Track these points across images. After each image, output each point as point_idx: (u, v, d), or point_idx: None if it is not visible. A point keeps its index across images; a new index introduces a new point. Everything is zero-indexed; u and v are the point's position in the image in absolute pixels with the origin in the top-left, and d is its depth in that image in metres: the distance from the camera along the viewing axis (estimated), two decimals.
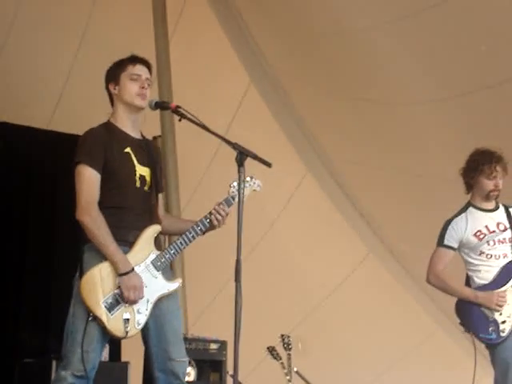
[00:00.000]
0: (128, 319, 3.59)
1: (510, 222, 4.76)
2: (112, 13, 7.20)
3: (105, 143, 3.70)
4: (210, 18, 7.51)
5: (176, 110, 3.66)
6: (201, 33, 7.55)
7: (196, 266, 7.26)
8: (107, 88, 3.86)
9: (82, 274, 3.60)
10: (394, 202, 7.71)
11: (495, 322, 4.54)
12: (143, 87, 3.79)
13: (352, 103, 7.09)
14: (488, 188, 4.73)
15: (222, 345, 6.20)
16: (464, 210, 4.81)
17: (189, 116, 3.65)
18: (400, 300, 8.26)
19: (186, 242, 3.77)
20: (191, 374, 6.05)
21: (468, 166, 4.80)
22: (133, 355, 5.33)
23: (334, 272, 8.33)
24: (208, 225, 3.79)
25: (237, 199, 3.69)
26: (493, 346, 4.55)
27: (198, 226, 3.78)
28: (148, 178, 3.79)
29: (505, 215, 4.79)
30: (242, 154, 3.42)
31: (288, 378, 6.21)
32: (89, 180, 3.66)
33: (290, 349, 6.40)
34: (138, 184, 3.74)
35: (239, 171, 3.41)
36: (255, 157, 3.45)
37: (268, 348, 6.47)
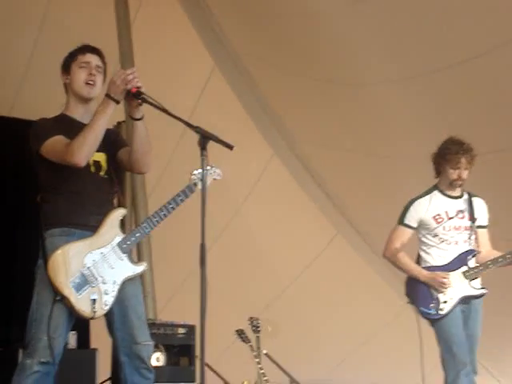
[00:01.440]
0: (95, 299, 3.61)
1: (469, 212, 4.97)
2: None
3: (55, 130, 3.68)
4: (172, 2, 7.45)
5: (137, 94, 3.64)
6: (163, 17, 7.49)
7: (164, 250, 7.25)
8: (61, 79, 3.87)
9: (46, 258, 3.59)
10: (360, 183, 7.74)
11: (437, 300, 4.82)
12: (91, 73, 3.78)
13: (316, 84, 7.09)
14: (452, 177, 4.93)
15: (191, 329, 6.20)
16: (429, 192, 5.00)
17: (150, 100, 3.63)
18: (368, 279, 8.31)
19: (150, 226, 3.80)
20: (160, 358, 6.05)
21: (438, 152, 4.98)
22: (101, 342, 5.31)
23: (303, 254, 8.36)
24: (171, 210, 3.80)
25: (198, 186, 3.77)
26: (433, 322, 4.83)
27: (162, 211, 3.80)
28: (103, 164, 3.79)
29: (467, 204, 5.00)
30: (205, 138, 3.42)
31: (257, 360, 6.22)
32: (59, 140, 3.65)
33: (258, 331, 6.41)
34: (92, 169, 3.74)
35: (202, 154, 3.40)
36: (217, 140, 3.44)
37: (237, 331, 6.48)
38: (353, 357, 8.49)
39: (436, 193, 4.99)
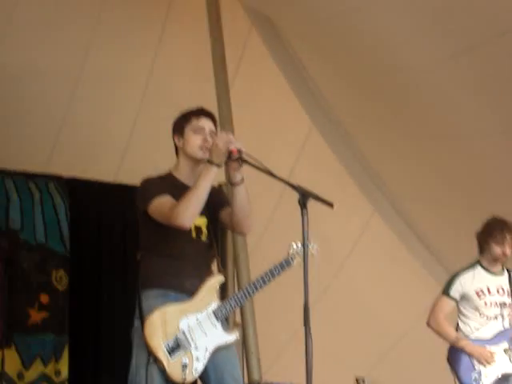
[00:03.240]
0: (186, 365, 3.61)
1: (510, 288, 5.34)
2: (173, 64, 7.32)
3: (162, 189, 3.75)
4: (269, 63, 7.56)
5: (238, 156, 3.68)
6: (261, 78, 7.61)
7: (267, 310, 7.23)
8: (173, 139, 3.93)
9: (143, 320, 3.62)
10: (464, 239, 7.57)
11: (479, 373, 5.14)
12: (206, 140, 3.84)
13: (415, 140, 7.03)
14: (496, 253, 5.31)
15: None
16: (472, 267, 5.40)
17: (250, 160, 3.67)
18: None
19: (246, 296, 3.82)
20: None
21: (482, 229, 5.42)
22: None
23: (408, 312, 8.19)
24: (268, 282, 3.81)
25: (295, 261, 3.84)
26: None
27: (258, 282, 3.83)
28: (204, 229, 3.83)
29: (507, 280, 5.36)
30: (305, 196, 3.43)
31: None
32: (166, 201, 3.70)
33: None
34: (193, 235, 3.78)
35: (302, 213, 3.41)
36: (317, 198, 3.45)
37: None
38: None
39: (479, 268, 5.36)
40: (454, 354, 5.27)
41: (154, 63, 7.32)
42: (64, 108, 7.13)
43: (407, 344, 8.13)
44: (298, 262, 3.85)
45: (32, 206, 6.92)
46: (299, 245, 3.86)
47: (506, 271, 5.40)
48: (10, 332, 6.48)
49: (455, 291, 5.34)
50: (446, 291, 5.39)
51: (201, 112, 3.93)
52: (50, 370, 6.68)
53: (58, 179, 7.09)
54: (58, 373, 6.71)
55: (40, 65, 6.83)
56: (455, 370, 5.22)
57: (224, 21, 7.22)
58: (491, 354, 5.14)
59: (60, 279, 6.87)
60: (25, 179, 6.95)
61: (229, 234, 6.93)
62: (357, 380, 6.39)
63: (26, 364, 6.61)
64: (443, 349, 7.94)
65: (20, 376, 6.58)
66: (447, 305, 5.36)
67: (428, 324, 5.42)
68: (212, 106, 6.91)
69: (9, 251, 6.71)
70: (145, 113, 7.32)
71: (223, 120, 6.94)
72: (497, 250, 5.30)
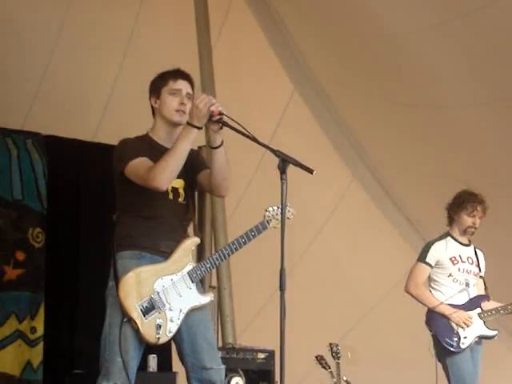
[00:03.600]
0: (160, 325, 3.63)
1: (476, 260, 5.58)
2: (155, 24, 7.24)
3: (139, 151, 3.72)
4: (252, 26, 7.52)
5: (219, 118, 3.65)
6: (244, 41, 7.56)
7: (244, 275, 7.25)
8: (149, 100, 3.89)
9: (117, 280, 3.63)
10: (441, 208, 7.62)
11: (458, 335, 5.35)
12: (183, 103, 3.81)
13: (397, 108, 7.03)
14: (467, 224, 5.54)
15: (270, 354, 6.17)
16: (444, 237, 5.62)
17: (231, 124, 3.65)
18: None
19: (221, 258, 3.82)
20: (240, 383, 6.04)
21: (453, 201, 5.64)
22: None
23: (383, 279, 8.25)
24: (243, 244, 3.81)
25: (271, 224, 3.86)
26: (446, 355, 5.37)
27: (234, 244, 3.82)
28: (181, 190, 3.82)
29: (474, 253, 5.61)
30: (285, 161, 3.42)
31: None
32: (142, 162, 3.69)
33: (338, 357, 6.35)
34: (170, 196, 3.76)
35: (282, 178, 3.40)
36: (297, 163, 3.43)
37: (316, 357, 6.43)
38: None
39: (449, 238, 5.58)
40: (434, 318, 5.45)
41: (135, 22, 7.24)
42: (43, 65, 7.05)
43: (382, 310, 8.20)
44: (273, 225, 3.86)
45: (9, 163, 6.85)
46: (275, 208, 3.89)
47: (472, 245, 5.64)
48: None
49: (431, 258, 5.52)
50: (422, 258, 5.56)
51: (178, 73, 3.88)
52: (24, 326, 6.67)
53: (35, 136, 7.02)
54: (33, 329, 6.70)
55: (20, 19, 6.73)
56: (436, 333, 5.40)
57: None
58: (469, 317, 5.37)
59: (36, 237, 6.84)
60: (2, 135, 6.87)
61: (207, 197, 6.92)
62: (330, 345, 6.43)
63: (1, 320, 6.59)
64: (417, 316, 8.02)
65: None
66: (425, 271, 5.52)
67: (407, 290, 5.57)
68: (194, 68, 6.89)
69: None
70: (125, 72, 7.25)
71: (205, 83, 6.90)
72: (467, 221, 5.53)
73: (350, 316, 8.22)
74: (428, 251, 5.54)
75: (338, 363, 6.34)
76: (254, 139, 3.60)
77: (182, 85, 3.85)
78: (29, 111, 7.15)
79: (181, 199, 3.82)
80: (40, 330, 6.70)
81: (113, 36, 7.20)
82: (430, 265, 5.52)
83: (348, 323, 8.16)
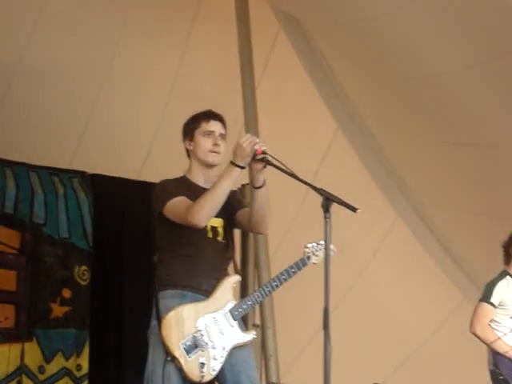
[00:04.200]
0: (204, 364, 3.63)
1: None
2: (199, 64, 7.33)
3: (178, 191, 3.76)
4: (295, 65, 7.56)
5: (262, 157, 3.69)
6: (287, 80, 7.60)
7: (287, 313, 7.22)
8: (183, 143, 3.95)
9: (160, 319, 3.64)
10: (488, 247, 7.52)
11: None
12: (216, 144, 3.85)
13: (441, 147, 6.99)
14: None
15: None
16: (503, 276, 5.59)
17: (275, 162, 3.67)
18: None
19: (262, 295, 3.85)
20: None
21: (510, 239, 5.68)
22: None
23: (429, 319, 8.15)
24: (284, 281, 3.82)
25: (311, 260, 3.90)
26: None
27: (275, 281, 3.85)
28: (220, 229, 3.84)
29: None
30: (328, 200, 3.42)
31: None
32: (181, 201, 3.72)
33: None
34: (209, 235, 3.79)
35: (325, 217, 3.40)
36: (341, 202, 3.44)
37: None
38: None
39: (509, 278, 5.56)
40: (503, 362, 5.43)
41: (180, 63, 7.34)
42: (90, 105, 7.17)
43: (427, 352, 8.09)
44: (313, 261, 3.89)
45: (56, 201, 6.95)
46: (314, 245, 3.94)
47: None
48: (31, 326, 6.51)
49: (495, 298, 5.47)
50: (486, 299, 5.51)
51: (210, 115, 3.94)
52: (71, 364, 6.71)
53: (81, 175, 7.13)
54: (78, 367, 6.74)
55: (67, 62, 6.87)
56: (507, 377, 5.36)
57: (252, 22, 7.22)
58: None
59: (82, 274, 6.90)
60: (49, 174, 6.98)
61: (250, 235, 6.93)
62: None
63: (48, 358, 6.64)
64: (462, 357, 7.90)
65: (41, 369, 6.61)
66: (489, 311, 5.47)
67: (473, 332, 5.51)
68: (238, 108, 6.97)
69: (32, 245, 6.75)
70: (170, 112, 7.33)
71: (249, 121, 6.94)
72: None
73: (395, 356, 8.12)
74: (492, 291, 5.49)
75: None
76: (297, 178, 3.62)
77: (215, 126, 3.90)
78: (75, 150, 7.26)
79: (220, 238, 3.85)
80: (85, 368, 6.73)
81: (158, 76, 7.30)
82: (493, 305, 5.47)
83: (393, 363, 8.06)
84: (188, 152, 3.96)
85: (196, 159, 3.90)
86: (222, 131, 3.92)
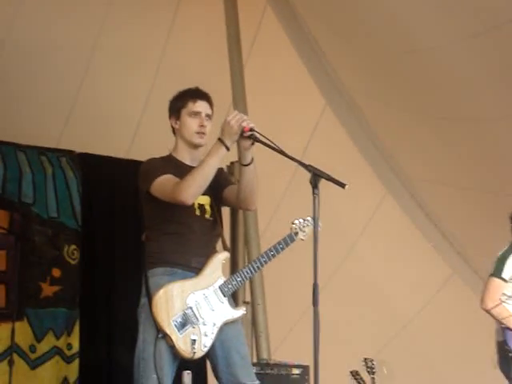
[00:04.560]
0: (195, 340, 3.64)
1: None
2: (186, 41, 7.30)
3: (164, 169, 3.76)
4: (283, 42, 7.53)
5: (250, 134, 3.68)
6: (275, 57, 7.58)
7: (277, 290, 7.24)
8: (169, 120, 3.93)
9: (150, 297, 3.65)
10: (477, 221, 7.55)
11: None
12: (202, 125, 3.84)
13: (429, 121, 6.99)
14: None
15: (304, 370, 6.13)
16: None
17: (263, 139, 3.67)
18: (487, 320, 8.06)
19: (251, 272, 3.85)
20: None
21: None
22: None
23: (418, 293, 8.19)
24: (272, 257, 3.83)
25: (299, 236, 3.91)
26: None
27: (263, 257, 3.87)
28: (207, 207, 3.84)
29: None
30: (316, 176, 3.42)
31: None
32: (168, 179, 3.72)
33: (373, 373, 6.30)
34: (197, 212, 3.79)
35: (314, 193, 3.41)
36: (329, 178, 3.44)
37: (351, 372, 6.38)
38: None
39: None
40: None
41: (167, 40, 7.30)
42: (77, 84, 7.14)
43: (417, 326, 8.14)
44: (300, 237, 3.90)
45: (44, 180, 6.94)
46: (301, 221, 3.95)
47: None
48: (22, 305, 6.52)
49: (506, 272, 5.32)
50: (498, 273, 5.36)
51: (197, 94, 3.92)
52: (61, 343, 6.73)
53: (70, 154, 7.11)
54: (69, 346, 6.76)
55: (53, 41, 6.83)
56: None
57: None
58: None
59: (72, 254, 6.90)
60: (37, 153, 6.96)
61: (240, 212, 6.94)
62: (365, 360, 6.38)
63: (39, 337, 6.66)
64: (452, 331, 7.96)
65: (32, 348, 6.62)
66: (501, 286, 5.32)
67: (485, 307, 5.36)
68: (225, 85, 6.95)
69: (21, 225, 6.74)
70: (157, 91, 7.30)
71: (237, 99, 6.93)
72: None
73: (385, 331, 8.17)
74: (503, 265, 5.34)
75: (374, 378, 6.29)
76: (285, 154, 3.62)
77: (202, 106, 3.89)
78: (63, 129, 7.24)
79: (207, 215, 3.86)
80: (76, 347, 6.75)
81: (145, 54, 7.27)
82: (505, 280, 5.34)
83: (383, 338, 8.11)
84: (174, 130, 3.95)
85: (182, 139, 3.90)
86: (209, 111, 3.90)
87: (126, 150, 7.45)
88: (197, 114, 3.86)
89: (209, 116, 3.89)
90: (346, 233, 7.87)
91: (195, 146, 3.88)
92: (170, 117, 3.95)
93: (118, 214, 7.17)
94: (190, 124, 3.86)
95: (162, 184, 3.72)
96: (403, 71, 6.64)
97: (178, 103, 3.92)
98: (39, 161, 6.95)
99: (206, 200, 3.84)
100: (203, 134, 3.84)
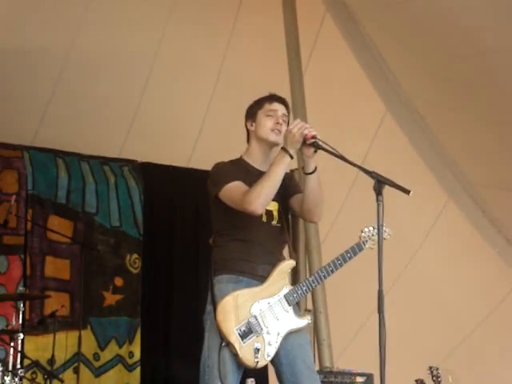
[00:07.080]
0: (259, 349, 3.62)
1: None
2: (246, 50, 7.33)
3: (234, 175, 3.76)
4: (342, 48, 7.51)
5: (313, 141, 3.67)
6: (334, 64, 7.56)
7: (340, 297, 7.20)
8: (245, 125, 3.94)
9: (215, 304, 3.65)
10: None
11: None
12: (278, 122, 3.84)
13: (493, 126, 6.89)
14: None
15: (369, 378, 6.08)
16: None
17: (325, 146, 3.65)
18: None
19: (317, 281, 3.80)
20: None
21: None
22: None
23: (483, 301, 8.07)
24: (339, 266, 3.79)
25: (367, 245, 3.84)
26: None
27: (330, 266, 3.81)
28: (275, 213, 3.83)
29: None
30: (380, 183, 3.38)
31: None
32: (237, 186, 3.72)
33: (439, 381, 6.21)
34: (264, 219, 3.78)
35: (377, 200, 3.36)
36: (393, 184, 3.39)
37: (416, 381, 6.29)
38: None
39: None
40: None
41: (227, 49, 7.34)
42: (138, 95, 7.22)
43: (482, 334, 8.01)
44: (369, 245, 3.84)
45: (107, 190, 7.03)
46: (371, 229, 3.88)
47: None
48: (85, 314, 6.60)
49: None
50: None
51: (273, 97, 3.94)
52: (124, 351, 6.80)
53: (132, 163, 7.19)
54: (131, 354, 6.83)
55: (115, 52, 6.92)
56: None
57: (298, 6, 7.19)
58: None
59: (134, 262, 6.97)
60: (100, 163, 7.06)
61: (301, 220, 6.92)
62: (430, 369, 6.30)
63: (102, 345, 6.74)
64: None
65: (96, 356, 6.71)
66: None
67: None
68: (285, 93, 6.91)
69: (85, 234, 6.83)
70: (218, 99, 7.35)
71: (296, 106, 6.91)
72: None
73: (450, 339, 8.06)
74: None
75: None
76: (348, 161, 3.59)
77: (278, 106, 3.90)
78: (125, 139, 7.33)
79: (274, 222, 3.84)
80: (137, 355, 6.82)
81: (205, 63, 7.32)
82: None
83: (448, 346, 7.99)
84: (248, 134, 3.95)
85: (257, 139, 3.88)
86: (285, 112, 3.91)
87: (187, 158, 7.51)
88: (273, 112, 3.87)
89: (285, 117, 3.90)
90: (408, 240, 7.78)
91: (271, 146, 3.87)
92: (246, 122, 3.95)
93: (179, 222, 7.23)
94: (266, 122, 3.86)
95: (232, 191, 3.72)
96: (466, 75, 6.55)
97: (255, 107, 3.94)
98: (102, 170, 7.04)
99: (274, 206, 3.83)
100: (279, 131, 3.83)
